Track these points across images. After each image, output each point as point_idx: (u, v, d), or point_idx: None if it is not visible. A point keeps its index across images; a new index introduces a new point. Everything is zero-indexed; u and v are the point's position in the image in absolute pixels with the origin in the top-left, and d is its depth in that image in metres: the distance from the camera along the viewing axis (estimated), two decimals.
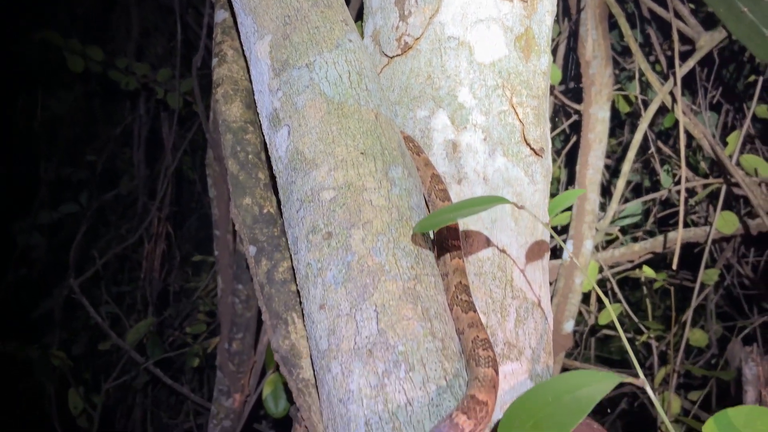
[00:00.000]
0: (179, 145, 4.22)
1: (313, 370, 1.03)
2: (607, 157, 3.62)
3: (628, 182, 3.59)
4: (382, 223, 0.98)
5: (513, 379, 1.08)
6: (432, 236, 1.10)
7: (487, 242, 1.15)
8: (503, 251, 1.14)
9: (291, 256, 1.07)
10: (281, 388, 2.55)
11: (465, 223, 1.15)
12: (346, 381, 0.90)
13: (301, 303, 1.12)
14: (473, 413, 0.80)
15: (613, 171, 3.83)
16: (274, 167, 1.17)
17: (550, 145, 1.27)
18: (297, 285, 1.05)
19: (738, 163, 2.59)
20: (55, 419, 3.28)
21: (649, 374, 3.10)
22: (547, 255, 1.24)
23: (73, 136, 4.92)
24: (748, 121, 2.55)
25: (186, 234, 4.96)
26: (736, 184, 2.59)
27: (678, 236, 2.62)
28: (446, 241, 1.06)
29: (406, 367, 0.87)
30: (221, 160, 2.50)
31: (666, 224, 3.46)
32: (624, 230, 3.48)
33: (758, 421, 0.84)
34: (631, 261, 3.03)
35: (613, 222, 3.14)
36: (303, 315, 1.02)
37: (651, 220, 3.41)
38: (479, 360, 0.88)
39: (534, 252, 1.18)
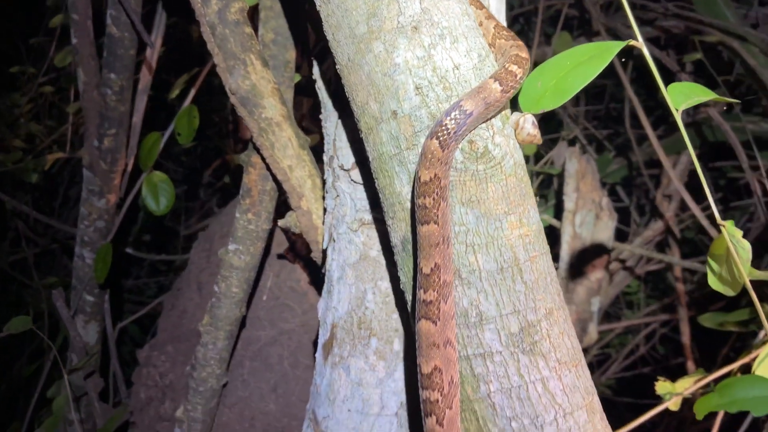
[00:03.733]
0: None
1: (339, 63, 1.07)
2: None
3: None
4: None
5: None
6: None
7: None
8: None
9: None
10: (163, 186, 2.46)
11: None
12: (391, 56, 0.97)
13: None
14: (521, 64, 0.95)
15: None
16: None
17: None
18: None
19: None
20: None
21: None
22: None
23: None
24: None
25: None
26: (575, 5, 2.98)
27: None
28: None
29: (451, 39, 0.97)
30: None
31: None
32: None
33: None
34: None
35: None
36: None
37: None
38: (506, 36, 1.02)
39: None
